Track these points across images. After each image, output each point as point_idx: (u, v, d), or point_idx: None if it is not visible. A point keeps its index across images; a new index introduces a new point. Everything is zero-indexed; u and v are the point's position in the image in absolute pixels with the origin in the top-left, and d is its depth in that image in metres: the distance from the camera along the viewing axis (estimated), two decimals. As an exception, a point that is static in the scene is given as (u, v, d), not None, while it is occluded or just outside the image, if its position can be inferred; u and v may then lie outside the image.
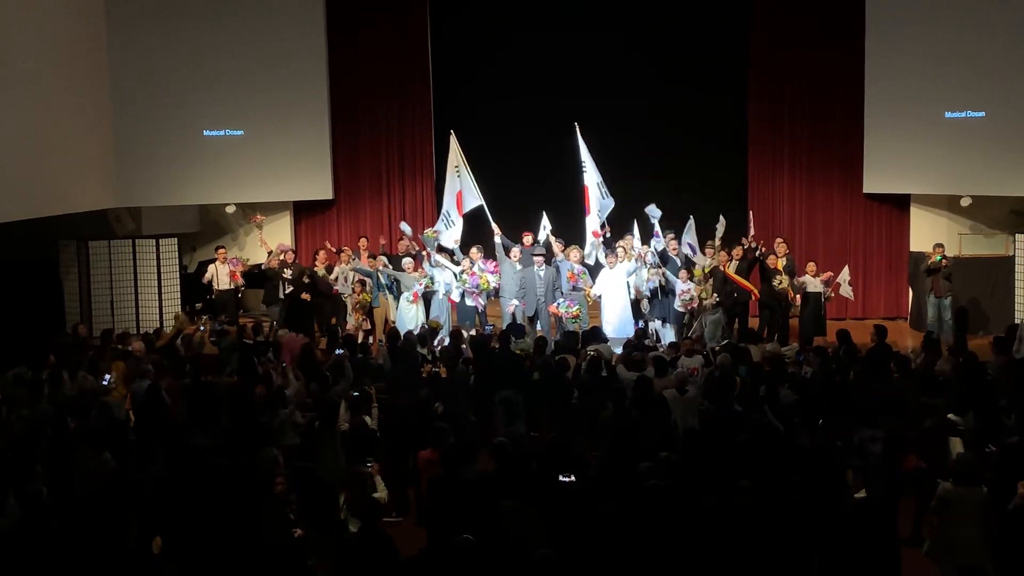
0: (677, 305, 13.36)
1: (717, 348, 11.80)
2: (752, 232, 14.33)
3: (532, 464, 7.59)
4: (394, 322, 13.65)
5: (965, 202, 15.03)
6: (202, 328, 13.03)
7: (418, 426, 8.96)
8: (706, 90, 16.44)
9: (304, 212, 16.97)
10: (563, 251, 13.87)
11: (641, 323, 13.45)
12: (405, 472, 8.90)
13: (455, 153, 14.52)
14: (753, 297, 13.76)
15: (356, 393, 9.63)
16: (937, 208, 15.62)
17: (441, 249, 14.18)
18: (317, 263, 14.42)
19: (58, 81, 13.84)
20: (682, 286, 13.23)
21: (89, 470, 7.70)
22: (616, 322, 13.36)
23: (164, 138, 15.69)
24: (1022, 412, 8.58)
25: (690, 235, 13.89)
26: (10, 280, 13.91)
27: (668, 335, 13.39)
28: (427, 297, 13.82)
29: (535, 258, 13.59)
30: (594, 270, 13.90)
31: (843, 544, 6.39)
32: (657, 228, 13.87)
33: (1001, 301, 14.37)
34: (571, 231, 14.57)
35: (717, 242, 14.12)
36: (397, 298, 13.85)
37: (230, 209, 16.48)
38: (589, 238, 14.13)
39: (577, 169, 14.36)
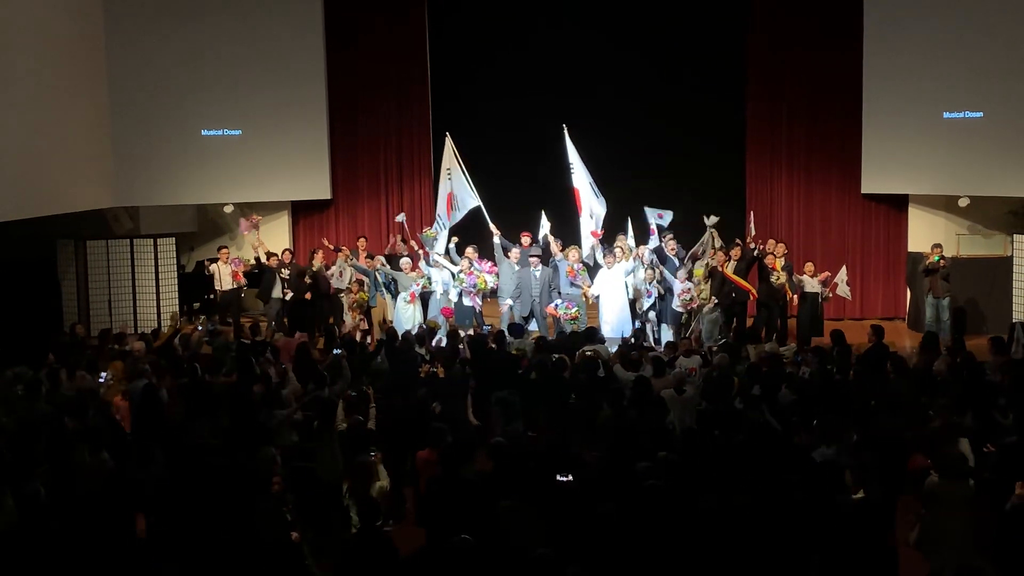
0: (676, 305, 13.37)
1: (715, 348, 11.80)
2: (753, 232, 14.34)
3: (530, 464, 7.58)
4: (391, 322, 13.65)
5: (963, 202, 15.05)
6: (200, 328, 13.03)
7: (416, 426, 8.95)
8: (705, 90, 16.44)
9: (302, 212, 16.97)
10: (562, 251, 13.87)
11: (638, 323, 13.46)
12: (403, 472, 8.89)
13: (449, 155, 14.54)
14: (751, 297, 13.77)
15: (354, 393, 9.64)
16: (935, 208, 15.64)
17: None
18: (315, 262, 14.42)
19: (56, 81, 13.83)
20: (681, 286, 13.24)
21: (87, 470, 7.69)
22: (614, 322, 13.37)
23: (162, 138, 15.69)
24: (1020, 412, 8.57)
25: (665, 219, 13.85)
26: (8, 280, 13.89)
27: (666, 335, 13.40)
28: (425, 297, 13.82)
29: (531, 259, 13.60)
30: (592, 271, 13.90)
31: (841, 544, 6.40)
32: (653, 227, 13.87)
33: (999, 301, 14.39)
34: (570, 231, 14.57)
35: (717, 242, 14.13)
36: (395, 297, 13.85)
37: (228, 209, 16.48)
38: (588, 238, 14.13)
39: (560, 171, 14.40)
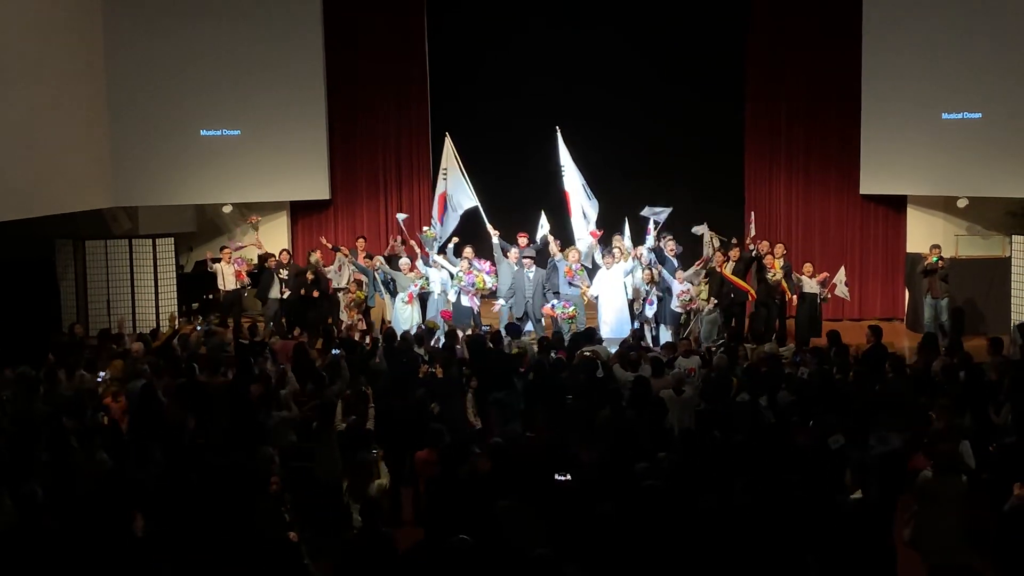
0: (675, 305, 13.38)
1: (714, 348, 11.80)
2: (753, 233, 14.35)
3: (528, 464, 7.58)
4: (390, 322, 13.66)
5: (962, 203, 15.05)
6: (199, 328, 13.03)
7: (414, 426, 8.96)
8: (703, 90, 16.43)
9: (301, 212, 16.96)
10: (561, 251, 13.87)
11: (637, 323, 13.47)
12: (401, 472, 8.89)
13: (447, 155, 14.56)
14: (750, 298, 13.77)
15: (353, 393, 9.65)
16: (934, 209, 15.64)
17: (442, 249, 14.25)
18: (312, 257, 14.46)
19: (55, 81, 13.82)
20: (680, 286, 13.25)
21: (86, 469, 7.69)
22: (613, 322, 13.37)
23: (161, 138, 15.68)
24: (1019, 412, 8.58)
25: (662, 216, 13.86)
26: (7, 280, 13.89)
27: (665, 336, 13.41)
28: (423, 298, 13.83)
29: (524, 260, 13.60)
30: (591, 271, 13.90)
31: (840, 544, 6.40)
32: (651, 226, 13.88)
33: (997, 302, 14.39)
34: (569, 231, 14.57)
35: (716, 242, 14.15)
36: (394, 297, 13.86)
37: (227, 209, 16.47)
38: (587, 239, 14.13)
39: (555, 172, 14.44)
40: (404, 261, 13.94)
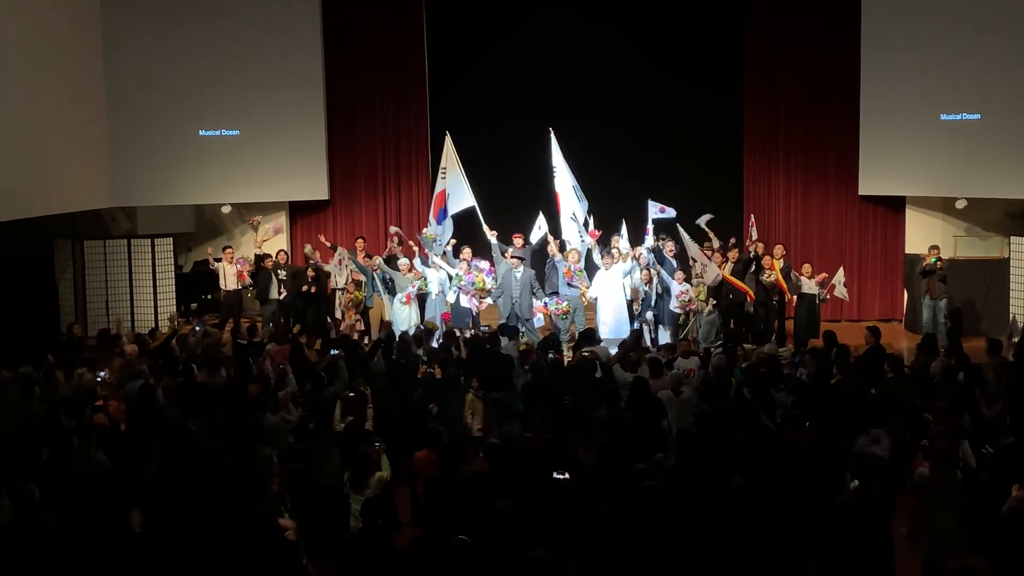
0: (674, 306, 13.38)
1: (712, 349, 11.81)
2: (754, 236, 14.36)
3: (527, 464, 7.58)
4: (389, 323, 13.65)
5: (960, 204, 15.06)
6: (197, 328, 13.03)
7: (413, 427, 8.95)
8: (702, 90, 16.46)
9: (300, 212, 16.95)
10: (560, 252, 13.88)
11: (637, 324, 13.47)
12: (400, 473, 8.89)
13: (447, 154, 14.58)
14: (749, 298, 13.78)
15: (352, 394, 9.64)
16: (932, 210, 15.65)
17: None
18: (306, 249, 14.48)
19: (54, 81, 13.82)
20: (679, 287, 13.26)
21: (84, 469, 7.68)
22: (612, 323, 13.36)
23: (160, 138, 15.68)
24: (1016, 414, 8.58)
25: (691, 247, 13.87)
26: (6, 280, 13.89)
27: (664, 336, 13.41)
28: (422, 298, 13.83)
29: (512, 260, 13.59)
30: (591, 272, 13.89)
31: (837, 541, 6.41)
32: (649, 227, 13.89)
33: (996, 303, 14.41)
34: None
35: (715, 243, 14.15)
36: (394, 297, 13.86)
37: (226, 209, 16.47)
38: (586, 239, 14.12)
39: (548, 173, 14.47)
40: (403, 262, 13.95)
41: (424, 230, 14.62)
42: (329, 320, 14.05)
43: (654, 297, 13.46)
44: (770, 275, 13.70)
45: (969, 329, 14.05)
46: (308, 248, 14.66)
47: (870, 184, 15.65)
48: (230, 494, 7.20)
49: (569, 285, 13.55)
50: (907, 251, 15.68)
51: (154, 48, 15.50)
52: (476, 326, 13.58)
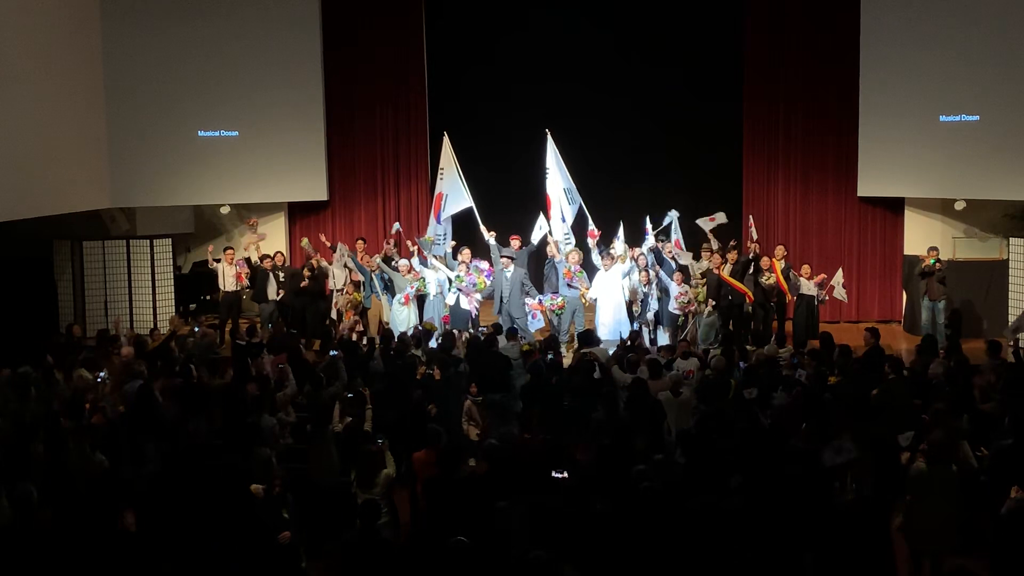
0: (673, 307, 13.38)
1: (711, 350, 11.81)
2: (755, 237, 14.37)
3: (525, 465, 7.58)
4: (388, 324, 13.65)
5: (959, 206, 15.07)
6: (196, 329, 13.04)
7: (412, 428, 8.95)
8: (701, 92, 16.46)
9: (299, 213, 16.95)
10: (559, 253, 13.89)
11: (636, 325, 13.47)
12: (399, 474, 8.88)
13: (445, 155, 14.59)
14: (748, 300, 13.78)
15: (351, 394, 9.64)
16: (931, 211, 15.66)
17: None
18: (304, 242, 14.48)
19: (53, 82, 13.82)
20: (678, 288, 13.26)
21: (82, 469, 7.68)
22: (611, 324, 13.36)
23: (159, 139, 15.67)
24: (1016, 415, 8.58)
25: (677, 234, 13.95)
26: (4, 280, 13.88)
27: (663, 337, 13.41)
28: (421, 300, 13.83)
29: (502, 260, 13.59)
30: (590, 274, 13.90)
31: (836, 543, 6.42)
32: (648, 226, 13.90)
33: (995, 304, 14.41)
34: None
35: (714, 244, 14.16)
36: (392, 298, 13.86)
37: (225, 210, 16.47)
38: (564, 238, 14.12)
39: (542, 175, 14.52)
40: (403, 263, 13.95)
41: (425, 236, 14.65)
42: (328, 322, 14.05)
43: (654, 299, 13.44)
44: (769, 277, 13.71)
45: (968, 330, 14.06)
46: (305, 241, 14.67)
47: (869, 185, 15.66)
48: (229, 494, 7.19)
49: (569, 286, 13.55)
50: (906, 252, 15.68)
51: (153, 49, 15.49)
52: (475, 328, 13.57)
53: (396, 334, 12.49)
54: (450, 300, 13.63)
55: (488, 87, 16.77)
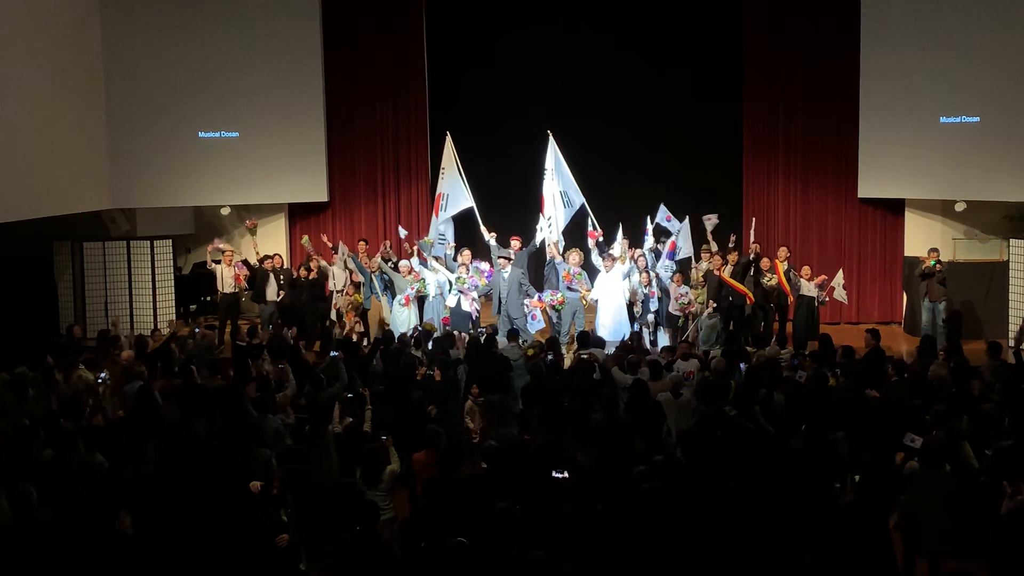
0: (673, 308, 13.38)
1: (712, 352, 11.80)
2: (755, 239, 14.37)
3: (525, 466, 7.58)
4: (388, 325, 13.65)
5: (960, 207, 15.06)
6: (196, 330, 13.04)
7: (412, 428, 8.95)
8: (701, 93, 16.46)
9: (299, 214, 16.95)
10: (560, 255, 13.87)
11: (636, 326, 13.47)
12: (399, 474, 8.88)
13: (447, 155, 14.59)
14: (748, 301, 13.78)
15: (350, 395, 9.63)
16: (932, 213, 15.66)
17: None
18: (303, 240, 14.49)
19: (53, 82, 13.82)
20: (678, 290, 13.25)
21: (82, 469, 7.68)
22: (611, 325, 13.35)
23: (159, 140, 15.67)
24: (1016, 415, 8.58)
25: (684, 238, 13.97)
26: (5, 281, 13.88)
27: (663, 338, 13.40)
28: (421, 300, 13.82)
29: (500, 260, 13.59)
30: (590, 275, 13.89)
31: (836, 544, 6.42)
32: (648, 226, 13.90)
33: (995, 306, 14.41)
34: (569, 234, 14.58)
35: (713, 246, 14.16)
36: (393, 299, 13.85)
37: (225, 211, 16.47)
38: (560, 242, 14.14)
39: (540, 175, 14.51)
40: (404, 264, 13.95)
41: (424, 236, 14.63)
42: (328, 323, 14.04)
43: (654, 299, 13.44)
44: (771, 278, 13.70)
45: (968, 332, 14.06)
46: (305, 239, 14.65)
47: (869, 186, 15.66)
48: (228, 495, 7.19)
49: (569, 288, 13.53)
50: (906, 253, 15.69)
51: (153, 50, 15.49)
52: (476, 329, 13.56)
53: (396, 335, 12.48)
54: (451, 302, 13.62)
55: (488, 87, 16.77)
